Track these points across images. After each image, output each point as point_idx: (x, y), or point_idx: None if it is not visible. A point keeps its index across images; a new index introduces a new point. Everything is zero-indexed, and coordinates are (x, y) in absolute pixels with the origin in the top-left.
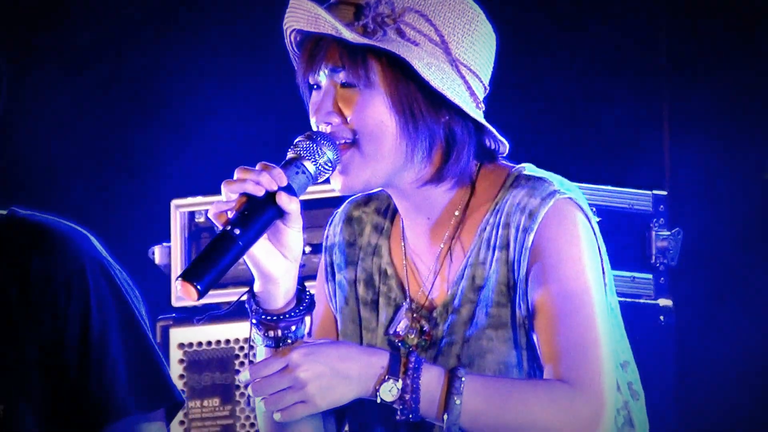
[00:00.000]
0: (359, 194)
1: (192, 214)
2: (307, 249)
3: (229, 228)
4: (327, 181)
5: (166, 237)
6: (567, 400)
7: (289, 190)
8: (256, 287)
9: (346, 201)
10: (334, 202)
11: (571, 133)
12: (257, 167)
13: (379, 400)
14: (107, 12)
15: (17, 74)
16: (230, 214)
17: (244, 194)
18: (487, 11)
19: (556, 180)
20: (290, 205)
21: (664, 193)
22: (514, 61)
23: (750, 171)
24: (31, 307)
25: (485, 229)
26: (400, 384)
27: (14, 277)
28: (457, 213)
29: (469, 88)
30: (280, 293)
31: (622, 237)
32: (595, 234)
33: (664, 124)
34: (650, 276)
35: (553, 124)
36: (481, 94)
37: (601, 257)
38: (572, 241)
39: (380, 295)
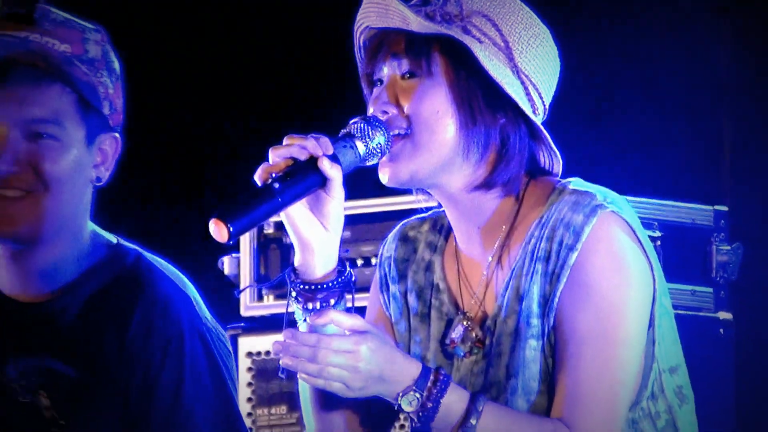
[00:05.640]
0: (414, 217)
1: (261, 225)
2: (360, 262)
3: (270, 182)
4: (375, 170)
5: (235, 248)
6: None
7: (334, 159)
8: (296, 260)
9: (401, 222)
10: (383, 216)
11: (634, 147)
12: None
13: (396, 407)
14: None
15: None
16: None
17: (290, 158)
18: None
19: (600, 193)
20: (331, 170)
21: (725, 208)
22: (575, 73)
23: None
24: (123, 358)
25: (530, 241)
26: (419, 396)
27: (114, 324)
28: (504, 227)
29: (528, 95)
30: (318, 263)
31: (684, 251)
32: (643, 247)
33: (725, 140)
34: (710, 290)
35: (616, 139)
36: (539, 108)
37: (651, 267)
38: (615, 267)
39: (432, 308)
